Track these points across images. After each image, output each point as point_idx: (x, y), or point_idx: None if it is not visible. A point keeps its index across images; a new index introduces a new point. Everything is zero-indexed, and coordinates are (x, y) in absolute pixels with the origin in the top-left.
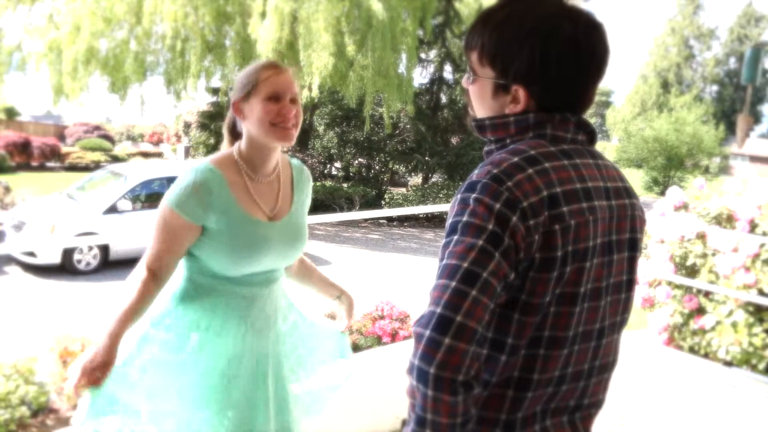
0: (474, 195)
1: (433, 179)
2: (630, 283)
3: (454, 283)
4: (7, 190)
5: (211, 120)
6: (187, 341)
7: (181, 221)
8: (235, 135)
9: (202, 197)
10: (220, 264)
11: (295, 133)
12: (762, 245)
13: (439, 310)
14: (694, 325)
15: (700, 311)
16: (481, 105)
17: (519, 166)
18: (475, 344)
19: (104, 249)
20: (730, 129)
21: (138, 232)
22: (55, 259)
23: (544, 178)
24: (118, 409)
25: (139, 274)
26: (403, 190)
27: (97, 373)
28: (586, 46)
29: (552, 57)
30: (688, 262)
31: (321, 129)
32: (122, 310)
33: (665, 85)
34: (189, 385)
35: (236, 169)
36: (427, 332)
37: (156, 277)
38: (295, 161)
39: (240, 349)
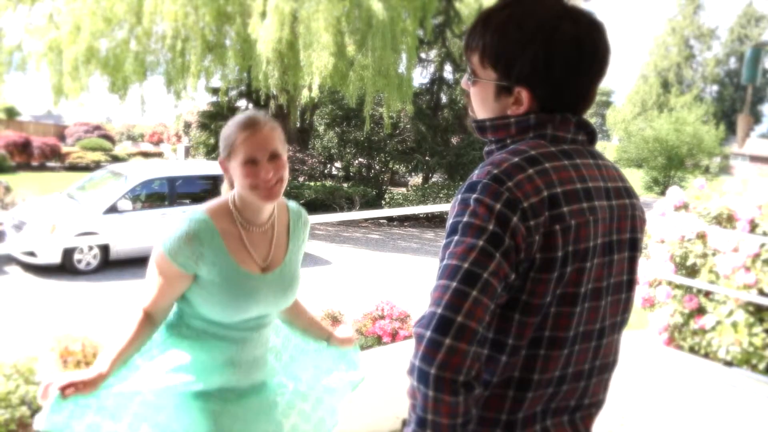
0: (474, 195)
1: (433, 179)
2: (630, 283)
3: (454, 284)
4: (8, 190)
5: (211, 120)
6: (171, 374)
7: (173, 269)
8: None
9: (194, 248)
10: (210, 310)
11: (280, 188)
12: (762, 245)
13: (439, 310)
14: (694, 325)
15: (701, 311)
16: (482, 107)
17: (519, 166)
18: (476, 345)
19: (104, 249)
20: (731, 129)
21: (138, 232)
22: (56, 259)
23: (545, 178)
24: (89, 413)
25: (135, 314)
26: (403, 190)
27: (72, 388)
28: (588, 46)
29: (555, 58)
30: (689, 262)
31: (321, 129)
32: (115, 350)
33: (665, 85)
34: (169, 412)
35: (231, 218)
36: (428, 333)
37: (150, 319)
38: (292, 205)
39: (225, 386)
